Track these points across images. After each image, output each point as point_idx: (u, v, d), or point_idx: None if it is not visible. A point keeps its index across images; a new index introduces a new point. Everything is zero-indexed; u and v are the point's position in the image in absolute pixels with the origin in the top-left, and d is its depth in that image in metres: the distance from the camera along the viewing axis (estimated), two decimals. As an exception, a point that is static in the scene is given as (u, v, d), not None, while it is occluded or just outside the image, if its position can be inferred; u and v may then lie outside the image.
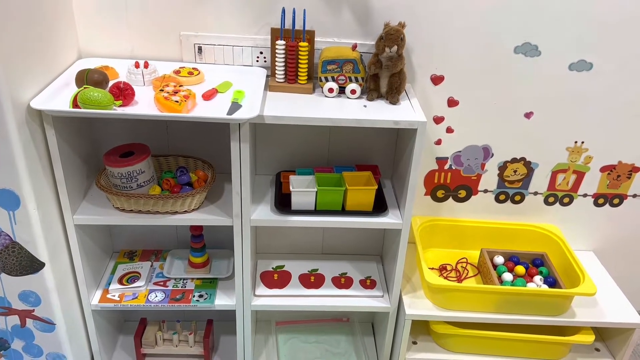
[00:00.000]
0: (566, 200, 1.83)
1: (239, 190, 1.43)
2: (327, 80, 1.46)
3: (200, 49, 1.53)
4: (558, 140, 1.71)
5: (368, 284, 1.74)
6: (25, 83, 1.25)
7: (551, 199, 1.83)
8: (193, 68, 1.48)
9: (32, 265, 1.38)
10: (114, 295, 1.62)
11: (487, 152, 1.73)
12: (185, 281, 1.69)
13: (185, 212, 1.49)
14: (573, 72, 1.59)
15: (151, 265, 1.74)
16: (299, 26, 1.46)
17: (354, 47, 1.46)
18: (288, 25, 1.46)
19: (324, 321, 2.01)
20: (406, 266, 1.74)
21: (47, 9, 1.33)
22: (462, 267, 1.80)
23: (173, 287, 1.67)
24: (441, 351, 1.71)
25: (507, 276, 1.68)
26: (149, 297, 1.62)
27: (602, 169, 1.77)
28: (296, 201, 1.51)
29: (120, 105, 1.29)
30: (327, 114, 1.37)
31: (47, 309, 1.46)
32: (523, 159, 1.74)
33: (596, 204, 1.84)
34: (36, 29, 1.28)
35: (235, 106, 1.34)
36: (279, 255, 1.85)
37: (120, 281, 1.66)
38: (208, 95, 1.38)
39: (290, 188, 1.50)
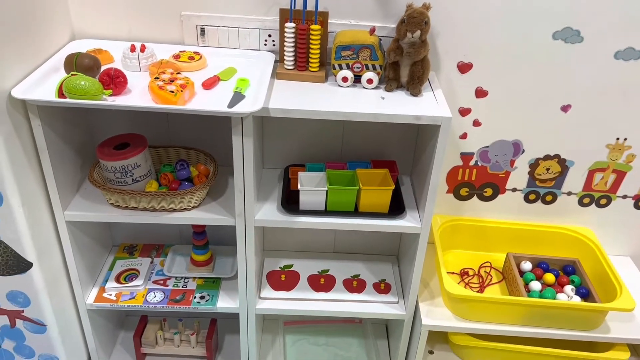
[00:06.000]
0: (603, 201, 1.66)
1: (242, 188, 1.30)
2: (341, 67, 1.31)
3: (202, 30, 1.39)
4: (598, 136, 1.54)
5: (382, 288, 1.61)
6: (8, 67, 1.13)
7: (586, 200, 1.66)
8: (194, 52, 1.34)
9: (19, 265, 1.28)
10: (110, 295, 1.52)
11: (517, 148, 1.57)
12: (186, 280, 1.59)
13: (185, 209, 1.37)
14: (619, 61, 1.41)
15: (151, 262, 1.64)
16: (310, 7, 1.31)
17: (372, 30, 1.31)
18: (299, 5, 1.31)
19: (334, 322, 1.89)
20: (424, 268, 1.59)
21: (33, -16, 1.20)
22: (485, 272, 1.65)
23: (173, 286, 1.56)
24: (460, 363, 1.58)
25: (535, 285, 1.53)
26: (147, 298, 1.52)
27: (646, 169, 1.60)
28: (305, 200, 1.38)
29: (111, 95, 1.17)
30: (341, 107, 1.22)
31: (37, 310, 1.37)
32: (557, 156, 1.58)
33: (636, 206, 1.67)
34: (22, 5, 1.16)
35: (237, 97, 1.20)
36: (287, 253, 1.73)
37: (117, 279, 1.56)
38: (208, 84, 1.24)
39: (299, 186, 1.37)
